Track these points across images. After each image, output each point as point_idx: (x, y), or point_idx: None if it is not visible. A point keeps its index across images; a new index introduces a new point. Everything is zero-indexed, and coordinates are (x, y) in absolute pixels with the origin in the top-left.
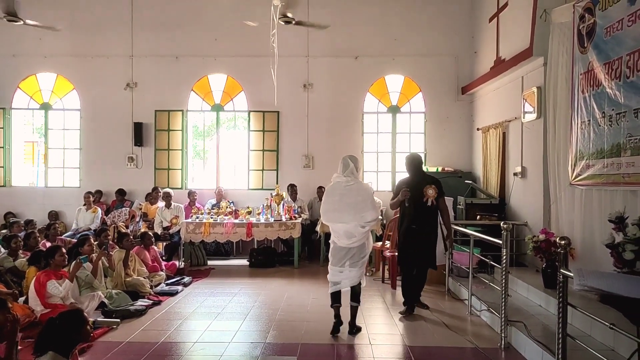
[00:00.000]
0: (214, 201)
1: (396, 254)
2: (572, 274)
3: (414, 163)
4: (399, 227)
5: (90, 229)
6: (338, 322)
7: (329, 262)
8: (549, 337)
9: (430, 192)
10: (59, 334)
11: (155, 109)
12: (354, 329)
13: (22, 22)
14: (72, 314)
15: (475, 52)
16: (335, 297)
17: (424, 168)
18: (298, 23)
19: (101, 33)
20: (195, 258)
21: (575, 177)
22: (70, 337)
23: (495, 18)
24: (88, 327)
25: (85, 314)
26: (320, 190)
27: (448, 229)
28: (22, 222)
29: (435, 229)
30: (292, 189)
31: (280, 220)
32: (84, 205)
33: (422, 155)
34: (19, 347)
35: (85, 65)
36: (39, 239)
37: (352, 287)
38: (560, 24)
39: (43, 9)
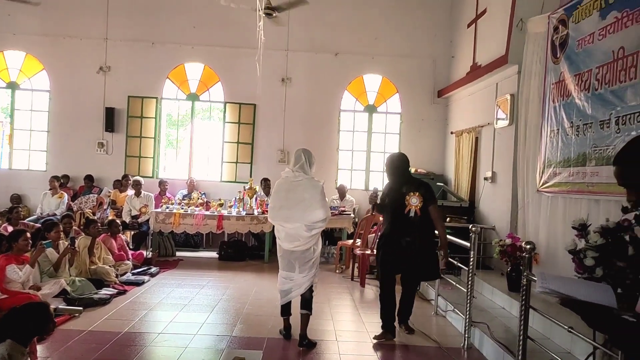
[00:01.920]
0: (185, 192)
1: (367, 253)
2: (535, 278)
3: (394, 165)
4: (380, 235)
5: (55, 214)
6: (288, 333)
7: (279, 267)
8: (511, 339)
9: (414, 201)
10: (20, 325)
11: (129, 94)
12: (305, 341)
13: None
14: (39, 308)
15: (453, 57)
16: (286, 308)
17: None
18: (276, 9)
19: (75, 13)
20: (163, 248)
21: (543, 184)
22: (32, 330)
23: (474, 24)
24: (50, 323)
25: (44, 296)
26: (265, 182)
27: (442, 239)
28: None
29: (430, 242)
30: (266, 183)
31: (252, 214)
32: (50, 189)
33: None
34: None
35: (56, 45)
36: (0, 222)
37: (301, 294)
38: (536, 34)
39: None
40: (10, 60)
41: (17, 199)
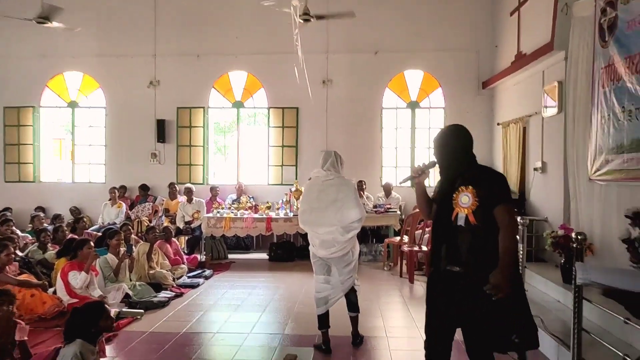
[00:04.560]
0: (234, 196)
1: (415, 249)
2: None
3: (440, 145)
4: (430, 262)
5: (115, 223)
6: (328, 347)
7: (315, 272)
8: (566, 332)
9: (464, 200)
10: (81, 324)
11: (177, 106)
12: (358, 339)
13: (50, 24)
14: (92, 305)
15: (496, 46)
16: (324, 319)
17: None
18: (319, 17)
19: (125, 33)
20: (216, 252)
21: (595, 172)
22: (92, 327)
23: (517, 12)
24: (107, 319)
25: (110, 304)
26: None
27: (501, 260)
28: (42, 215)
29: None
30: None
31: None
32: (109, 200)
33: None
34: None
35: (110, 64)
36: (67, 232)
37: (346, 297)
38: (582, 18)
39: (69, 10)
40: (69, 81)
41: (75, 211)
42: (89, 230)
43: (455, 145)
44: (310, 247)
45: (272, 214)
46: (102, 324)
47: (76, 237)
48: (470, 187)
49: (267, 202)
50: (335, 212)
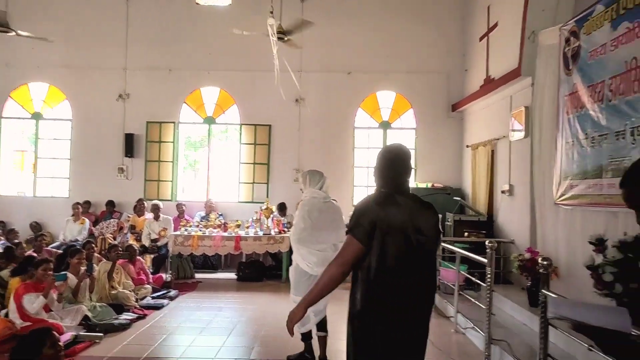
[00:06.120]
0: (203, 213)
1: None
2: (552, 295)
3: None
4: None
5: (77, 240)
6: (313, 357)
7: (291, 293)
8: (532, 357)
9: None
10: (24, 353)
11: (147, 120)
12: None
13: (14, 33)
14: (36, 332)
15: (466, 70)
16: (307, 332)
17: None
18: (288, 33)
19: (95, 45)
20: (182, 271)
21: (560, 196)
22: (35, 356)
23: (486, 37)
24: (52, 347)
25: (68, 327)
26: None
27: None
28: None
29: (351, 312)
30: (281, 208)
31: (269, 234)
32: (72, 216)
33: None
34: None
35: (78, 76)
36: (26, 249)
37: None
38: (548, 46)
39: (37, 21)
40: (34, 92)
41: (36, 227)
42: (49, 248)
43: (378, 173)
44: (302, 266)
45: (242, 233)
46: (46, 353)
47: (35, 255)
48: None
49: (237, 221)
50: (332, 231)
